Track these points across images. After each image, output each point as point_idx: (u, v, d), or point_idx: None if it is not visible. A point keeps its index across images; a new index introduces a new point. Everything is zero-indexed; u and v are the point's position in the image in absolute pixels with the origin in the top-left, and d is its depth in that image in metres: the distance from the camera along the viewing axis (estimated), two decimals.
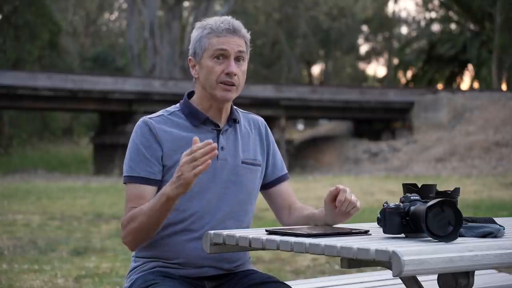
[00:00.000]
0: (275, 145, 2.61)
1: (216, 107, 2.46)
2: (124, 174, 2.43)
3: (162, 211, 2.27)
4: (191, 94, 2.55)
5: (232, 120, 2.50)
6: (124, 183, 2.43)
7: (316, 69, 57.02)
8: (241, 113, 2.57)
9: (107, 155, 27.19)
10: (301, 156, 29.94)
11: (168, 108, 2.52)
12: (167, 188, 2.24)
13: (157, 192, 2.36)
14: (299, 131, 45.59)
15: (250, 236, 2.12)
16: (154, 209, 2.27)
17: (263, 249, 2.10)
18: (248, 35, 2.45)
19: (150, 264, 2.44)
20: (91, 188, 17.74)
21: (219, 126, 2.47)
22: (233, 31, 2.40)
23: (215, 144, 2.18)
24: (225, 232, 2.20)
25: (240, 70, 2.42)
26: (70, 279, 5.76)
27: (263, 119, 2.64)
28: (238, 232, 2.20)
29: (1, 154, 31.02)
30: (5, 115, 32.95)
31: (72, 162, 31.15)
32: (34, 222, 10.12)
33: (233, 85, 2.42)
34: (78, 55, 44.98)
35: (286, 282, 2.50)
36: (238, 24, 2.43)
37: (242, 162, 2.47)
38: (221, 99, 2.43)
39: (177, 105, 2.53)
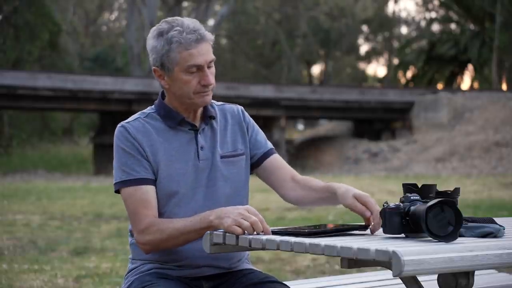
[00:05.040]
0: (255, 126, 2.58)
1: (192, 110, 2.46)
2: (118, 180, 2.38)
3: (199, 234, 2.26)
4: (164, 93, 2.52)
5: (208, 118, 2.48)
6: (117, 191, 2.40)
7: (316, 69, 57.10)
8: (216, 107, 2.55)
9: (107, 155, 27.17)
10: (301, 156, 29.95)
11: (144, 110, 2.49)
12: (212, 217, 2.22)
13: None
14: (299, 131, 45.61)
15: (250, 236, 2.12)
16: (190, 229, 2.26)
17: (263, 249, 2.09)
18: (211, 36, 2.41)
19: (147, 266, 2.44)
20: (91, 188, 17.74)
21: (195, 126, 2.46)
22: (201, 39, 2.35)
23: (267, 229, 2.16)
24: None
25: (211, 74, 2.40)
26: (70, 279, 5.76)
27: (239, 106, 2.61)
28: None
29: (1, 154, 31.02)
30: (5, 115, 32.96)
31: (72, 162, 31.15)
32: (34, 222, 10.12)
33: (208, 90, 2.41)
34: (78, 55, 44.99)
35: (286, 282, 2.50)
36: (200, 28, 2.37)
37: (221, 157, 2.46)
38: (201, 105, 2.43)
39: (153, 106, 2.50)
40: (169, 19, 2.39)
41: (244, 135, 2.54)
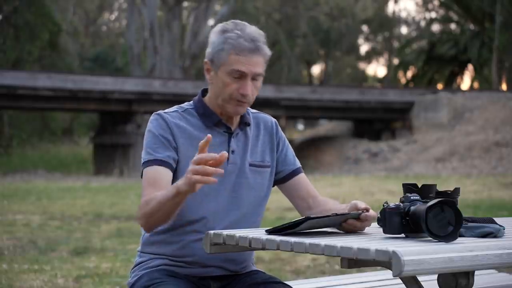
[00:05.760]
0: (286, 141, 2.60)
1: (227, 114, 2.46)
2: (142, 161, 2.39)
3: (173, 203, 2.23)
4: (205, 91, 2.53)
5: (244, 124, 2.50)
6: (141, 171, 2.41)
7: (316, 69, 57.10)
8: (251, 114, 2.56)
9: (107, 155, 27.20)
10: (301, 156, 29.92)
11: (182, 105, 2.50)
12: (179, 182, 2.21)
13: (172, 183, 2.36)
14: (299, 131, 45.62)
15: (250, 236, 2.12)
16: (166, 199, 2.23)
17: (263, 249, 2.09)
18: (268, 52, 2.42)
19: (155, 262, 2.44)
20: (91, 188, 17.74)
21: (230, 129, 2.47)
22: (254, 51, 2.37)
23: (225, 156, 2.11)
24: (225, 232, 2.20)
25: (255, 87, 2.41)
26: (70, 279, 5.76)
27: (273, 119, 2.63)
28: (238, 232, 2.20)
29: (1, 154, 31.02)
30: (5, 115, 32.95)
31: (72, 162, 31.15)
32: (34, 222, 10.12)
33: (245, 102, 2.41)
34: (78, 55, 44.98)
35: (286, 282, 2.50)
36: (260, 39, 2.39)
37: (250, 165, 2.47)
38: (231, 114, 2.43)
39: (191, 102, 2.51)
40: (238, 21, 2.43)
41: (273, 148, 2.55)
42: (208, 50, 2.41)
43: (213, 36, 2.40)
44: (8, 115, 33.37)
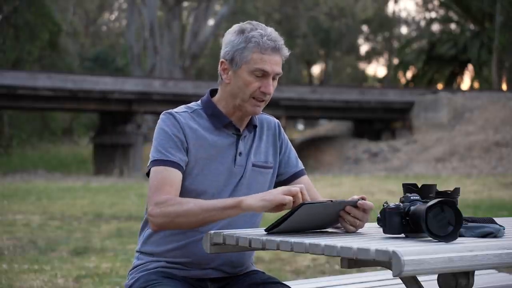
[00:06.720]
0: (289, 143, 2.61)
1: (240, 115, 2.46)
2: (152, 159, 2.36)
3: (220, 214, 2.23)
4: (213, 91, 2.52)
5: (252, 126, 2.51)
6: (149, 170, 2.38)
7: (316, 69, 57.10)
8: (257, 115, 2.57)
9: (107, 155, 27.20)
10: (301, 156, 29.54)
11: (189, 105, 2.49)
12: (242, 198, 2.21)
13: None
14: (299, 131, 45.60)
15: (250, 236, 2.12)
16: (216, 207, 2.23)
17: (263, 249, 2.09)
18: (287, 53, 2.43)
19: (153, 264, 2.44)
20: (91, 188, 17.74)
21: (239, 131, 2.47)
22: (277, 50, 2.38)
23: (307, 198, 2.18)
24: (225, 231, 2.20)
25: (273, 88, 2.43)
26: (70, 279, 5.76)
27: (276, 120, 2.63)
28: (238, 232, 2.20)
29: (1, 154, 31.02)
30: (5, 115, 32.95)
31: (72, 162, 31.15)
32: (34, 222, 10.12)
33: (263, 101, 2.43)
34: (78, 55, 44.98)
35: (286, 282, 2.50)
36: (280, 40, 2.40)
37: (253, 165, 2.47)
38: (250, 113, 2.44)
39: (198, 102, 2.50)
40: (254, 22, 2.43)
41: (276, 150, 2.56)
42: (226, 50, 2.40)
43: (230, 36, 2.40)
44: (8, 115, 33.37)
